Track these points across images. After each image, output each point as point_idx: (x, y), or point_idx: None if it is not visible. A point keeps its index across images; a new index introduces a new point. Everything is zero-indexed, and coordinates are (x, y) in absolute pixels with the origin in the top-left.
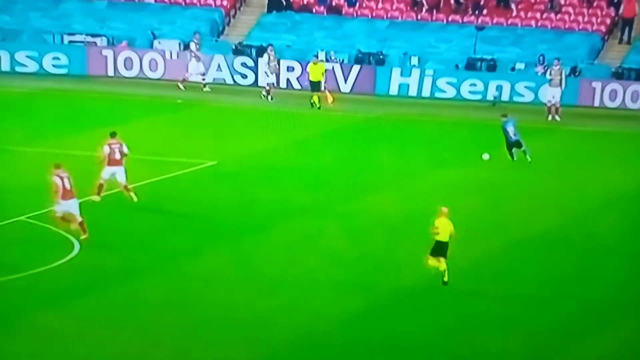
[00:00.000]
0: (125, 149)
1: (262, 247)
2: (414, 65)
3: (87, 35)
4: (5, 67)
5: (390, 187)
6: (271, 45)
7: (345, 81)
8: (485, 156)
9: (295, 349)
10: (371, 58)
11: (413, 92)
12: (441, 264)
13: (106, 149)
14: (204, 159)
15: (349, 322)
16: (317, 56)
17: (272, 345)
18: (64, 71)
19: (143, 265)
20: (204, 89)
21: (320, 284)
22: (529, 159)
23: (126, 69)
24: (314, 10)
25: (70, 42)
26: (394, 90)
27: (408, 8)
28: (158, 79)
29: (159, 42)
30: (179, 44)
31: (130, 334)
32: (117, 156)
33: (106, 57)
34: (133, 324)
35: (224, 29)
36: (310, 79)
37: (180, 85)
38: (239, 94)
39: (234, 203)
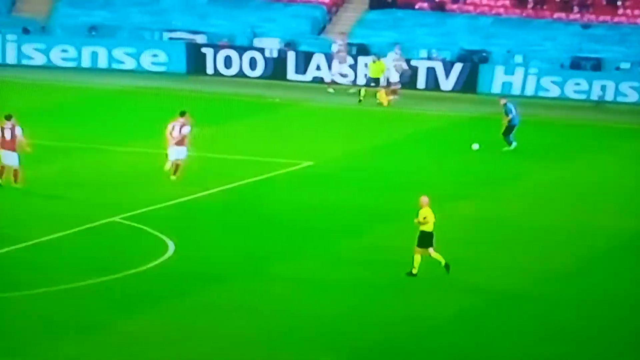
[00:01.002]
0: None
1: (353, 251)
2: (518, 64)
3: (187, 32)
4: (103, 63)
5: (487, 190)
6: (398, 44)
7: (447, 79)
8: (475, 146)
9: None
10: (474, 56)
11: (516, 90)
12: (432, 254)
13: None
14: (300, 160)
15: (445, 326)
16: (377, 55)
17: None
18: (162, 69)
19: (233, 268)
20: (329, 90)
21: (415, 287)
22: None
23: (225, 67)
24: (416, 7)
25: (170, 39)
26: (496, 88)
27: (513, 4)
28: (257, 78)
29: (260, 40)
30: (279, 42)
31: (216, 341)
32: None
33: (205, 54)
34: (221, 330)
35: (325, 26)
36: (370, 75)
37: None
38: (337, 94)
39: (329, 205)
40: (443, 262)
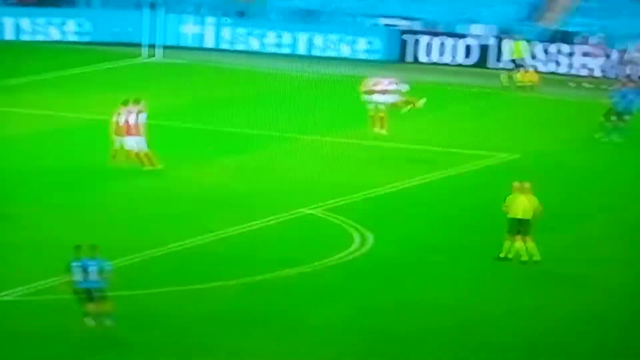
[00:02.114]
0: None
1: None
2: None
3: (402, 18)
4: (317, 51)
5: None
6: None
7: None
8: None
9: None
10: None
11: None
12: (518, 241)
13: None
14: (505, 152)
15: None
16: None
17: None
18: (375, 56)
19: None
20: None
21: None
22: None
23: (439, 55)
24: None
25: (385, 25)
26: None
27: None
28: (471, 66)
29: (475, 27)
30: (495, 30)
31: (408, 339)
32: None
33: (418, 41)
34: (412, 329)
35: (542, 13)
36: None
37: None
38: (548, 84)
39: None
40: (525, 257)
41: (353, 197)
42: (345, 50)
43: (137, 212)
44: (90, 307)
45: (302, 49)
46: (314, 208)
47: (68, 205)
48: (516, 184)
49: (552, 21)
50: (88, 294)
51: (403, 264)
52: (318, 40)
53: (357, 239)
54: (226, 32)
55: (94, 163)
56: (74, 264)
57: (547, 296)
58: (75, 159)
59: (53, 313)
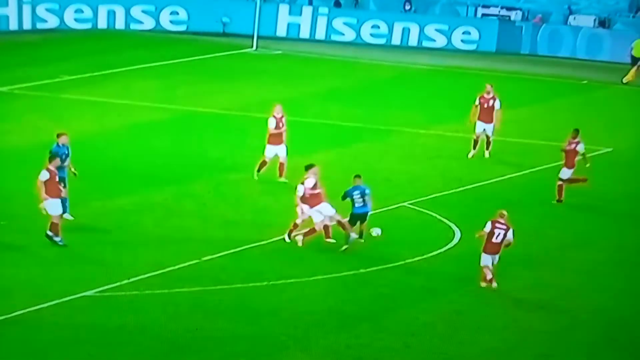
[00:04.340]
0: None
1: None
2: None
3: (502, 8)
4: (413, 41)
5: None
6: None
7: None
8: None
9: None
10: None
11: None
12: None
13: None
14: (599, 145)
15: None
16: None
17: None
18: (473, 47)
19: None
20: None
21: None
22: None
23: (538, 45)
24: None
25: (483, 15)
26: None
27: None
28: (567, 58)
29: (574, 18)
30: (595, 20)
31: (489, 332)
32: None
33: (520, 31)
34: (498, 323)
35: None
36: (634, 54)
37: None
38: None
39: (628, 194)
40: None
41: (448, 191)
42: (441, 41)
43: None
44: (359, 227)
45: (396, 40)
46: (408, 202)
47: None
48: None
49: None
50: (362, 218)
51: None
52: (414, 30)
53: (450, 233)
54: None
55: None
56: (354, 192)
57: None
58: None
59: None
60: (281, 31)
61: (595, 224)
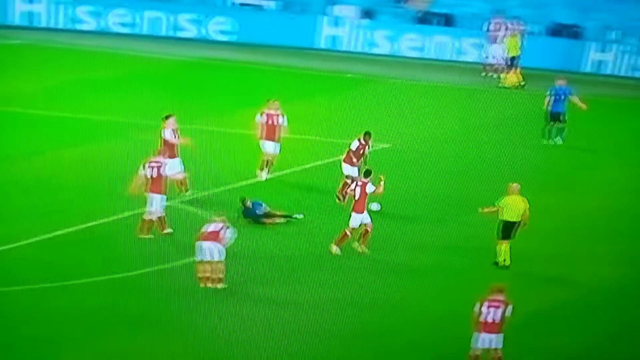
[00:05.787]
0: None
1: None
2: (614, 41)
3: None
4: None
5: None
6: (502, 13)
7: (535, 56)
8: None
9: None
10: (566, 30)
11: (609, 70)
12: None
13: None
14: (376, 142)
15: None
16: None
17: None
18: (228, 38)
19: None
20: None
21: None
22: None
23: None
24: None
25: (241, 5)
26: (588, 67)
27: None
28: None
29: (339, 9)
30: (356, 11)
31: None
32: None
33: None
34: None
35: None
36: (509, 54)
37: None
38: (416, 69)
39: (404, 192)
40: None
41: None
42: (193, 31)
43: None
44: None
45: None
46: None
47: None
48: (514, 185)
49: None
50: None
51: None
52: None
53: None
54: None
55: None
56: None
57: None
58: None
59: None
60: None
61: None
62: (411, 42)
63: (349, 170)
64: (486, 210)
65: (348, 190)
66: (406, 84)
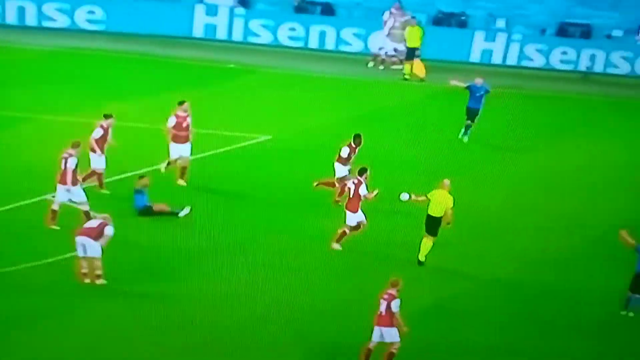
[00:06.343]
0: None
1: (321, 230)
2: (500, 29)
3: None
4: (31, 21)
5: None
6: (398, 2)
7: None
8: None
9: None
10: (452, 19)
11: (497, 59)
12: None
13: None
14: (257, 133)
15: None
16: (413, 16)
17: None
18: (100, 27)
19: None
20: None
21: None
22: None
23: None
24: None
25: None
26: (475, 57)
27: None
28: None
29: None
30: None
31: None
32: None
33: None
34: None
35: None
36: (408, 45)
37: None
38: (298, 59)
39: (287, 182)
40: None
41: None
42: (63, 21)
43: None
44: None
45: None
46: None
47: None
48: (445, 181)
49: None
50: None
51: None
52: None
53: None
54: None
55: None
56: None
57: None
58: None
59: None
60: None
61: None
62: (291, 32)
63: (341, 171)
64: (414, 197)
65: (345, 189)
66: (287, 75)
